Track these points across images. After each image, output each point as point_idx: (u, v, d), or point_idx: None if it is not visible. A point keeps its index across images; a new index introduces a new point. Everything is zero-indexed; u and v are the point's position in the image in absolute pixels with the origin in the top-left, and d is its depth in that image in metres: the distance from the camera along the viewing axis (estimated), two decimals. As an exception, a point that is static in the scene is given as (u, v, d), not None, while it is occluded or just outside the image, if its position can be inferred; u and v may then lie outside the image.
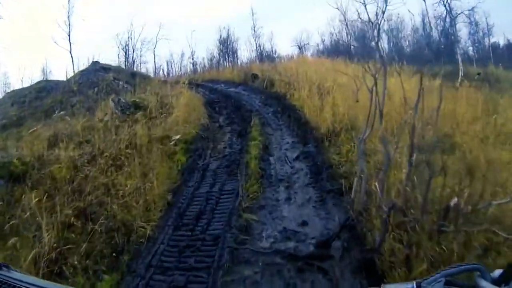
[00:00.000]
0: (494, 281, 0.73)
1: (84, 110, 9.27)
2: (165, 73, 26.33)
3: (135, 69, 24.51)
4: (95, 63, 16.15)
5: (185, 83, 11.51)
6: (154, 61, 26.80)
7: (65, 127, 7.30)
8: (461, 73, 13.76)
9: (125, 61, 24.63)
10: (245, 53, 27.71)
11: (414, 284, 0.74)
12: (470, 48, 22.34)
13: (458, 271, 0.75)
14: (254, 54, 25.30)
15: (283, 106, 8.89)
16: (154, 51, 25.85)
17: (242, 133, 7.18)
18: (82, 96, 11.35)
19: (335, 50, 23.32)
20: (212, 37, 28.27)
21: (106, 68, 14.84)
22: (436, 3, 18.91)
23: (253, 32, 25.27)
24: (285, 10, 40.27)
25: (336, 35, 26.31)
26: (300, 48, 25.95)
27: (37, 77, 20.99)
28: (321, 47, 26.84)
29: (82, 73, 15.01)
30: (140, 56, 25.52)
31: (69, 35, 20.52)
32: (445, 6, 18.77)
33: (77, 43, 34.88)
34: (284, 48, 40.54)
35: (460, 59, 15.86)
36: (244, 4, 41.83)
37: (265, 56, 23.90)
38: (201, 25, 41.54)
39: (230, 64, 23.70)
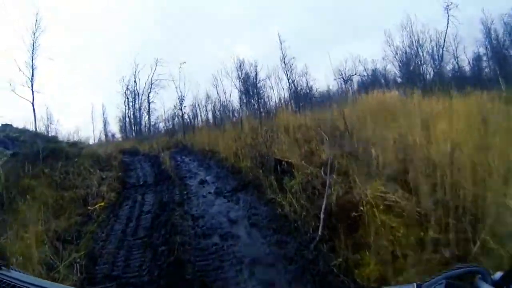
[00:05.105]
0: (495, 283, 0.73)
1: None
2: (164, 127, 20.81)
3: (142, 119, 20.08)
4: (4, 126, 11.64)
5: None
6: (149, 111, 20.54)
7: None
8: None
9: (127, 109, 20.40)
10: (270, 92, 19.33)
11: (415, 286, 0.74)
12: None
13: (459, 273, 0.75)
14: (285, 94, 18.38)
15: None
16: (148, 96, 20.11)
17: None
18: None
19: (375, 80, 19.03)
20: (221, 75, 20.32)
21: (10, 138, 10.09)
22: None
23: (283, 64, 18.07)
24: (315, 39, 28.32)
25: (385, 61, 19.87)
26: (345, 80, 19.79)
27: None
28: (361, 78, 20.63)
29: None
30: (149, 102, 20.21)
31: (31, 80, 12.80)
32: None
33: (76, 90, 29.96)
34: (321, 82, 29.52)
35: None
36: (264, 33, 29.14)
37: (303, 96, 17.09)
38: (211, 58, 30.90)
39: (243, 114, 16.63)
